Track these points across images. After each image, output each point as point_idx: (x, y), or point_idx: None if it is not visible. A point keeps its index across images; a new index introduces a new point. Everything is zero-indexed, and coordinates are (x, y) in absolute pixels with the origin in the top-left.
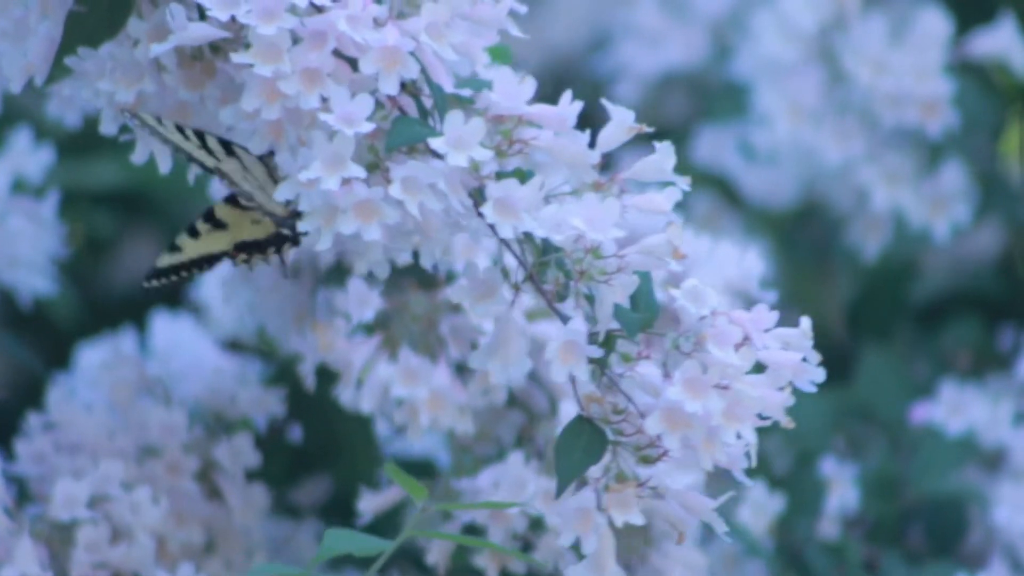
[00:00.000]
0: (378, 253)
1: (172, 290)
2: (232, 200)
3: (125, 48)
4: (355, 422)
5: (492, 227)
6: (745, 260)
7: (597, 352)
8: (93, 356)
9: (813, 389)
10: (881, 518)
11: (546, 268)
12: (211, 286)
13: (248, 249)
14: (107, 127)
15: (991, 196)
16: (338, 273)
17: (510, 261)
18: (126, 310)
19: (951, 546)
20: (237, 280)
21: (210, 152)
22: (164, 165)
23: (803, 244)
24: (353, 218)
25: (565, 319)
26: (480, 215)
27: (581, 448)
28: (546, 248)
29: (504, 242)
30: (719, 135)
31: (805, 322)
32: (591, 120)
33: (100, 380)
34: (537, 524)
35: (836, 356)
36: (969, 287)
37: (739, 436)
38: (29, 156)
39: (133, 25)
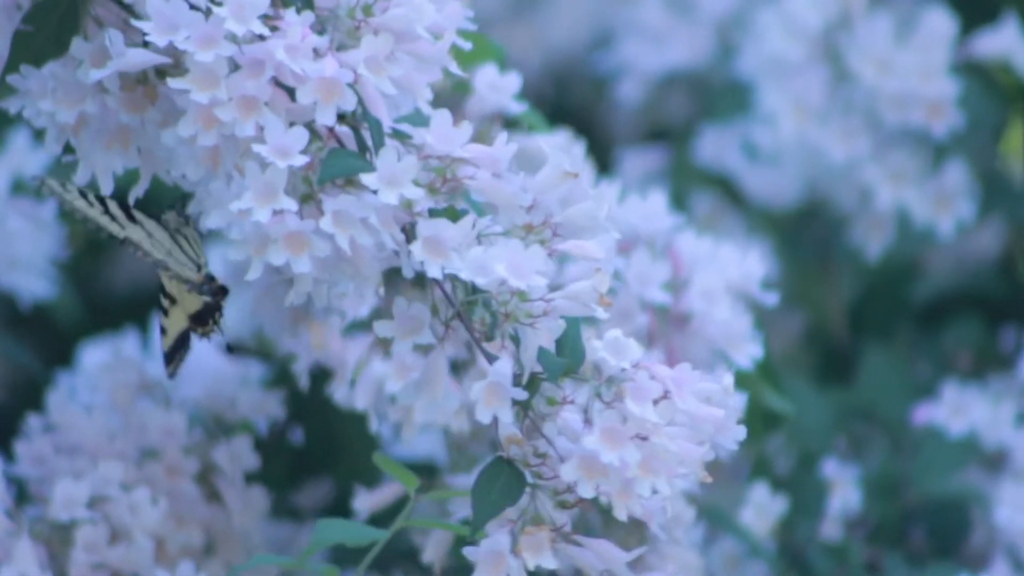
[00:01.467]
0: (308, 285)
1: None
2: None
3: (69, 69)
4: (356, 424)
5: (420, 264)
6: (747, 262)
7: (521, 395)
8: (93, 358)
9: (735, 446)
10: (883, 519)
11: (474, 307)
12: None
13: (198, 320)
14: (51, 147)
15: (993, 196)
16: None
17: (440, 297)
18: (126, 311)
19: (953, 547)
20: (234, 282)
21: (113, 219)
22: (106, 185)
23: (805, 244)
24: (283, 249)
25: (491, 359)
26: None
27: (499, 489)
28: (475, 288)
29: (434, 280)
30: (722, 135)
31: (728, 378)
32: (592, 120)
33: (100, 382)
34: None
35: (838, 356)
36: (971, 287)
37: (655, 491)
38: (28, 157)
39: (77, 46)
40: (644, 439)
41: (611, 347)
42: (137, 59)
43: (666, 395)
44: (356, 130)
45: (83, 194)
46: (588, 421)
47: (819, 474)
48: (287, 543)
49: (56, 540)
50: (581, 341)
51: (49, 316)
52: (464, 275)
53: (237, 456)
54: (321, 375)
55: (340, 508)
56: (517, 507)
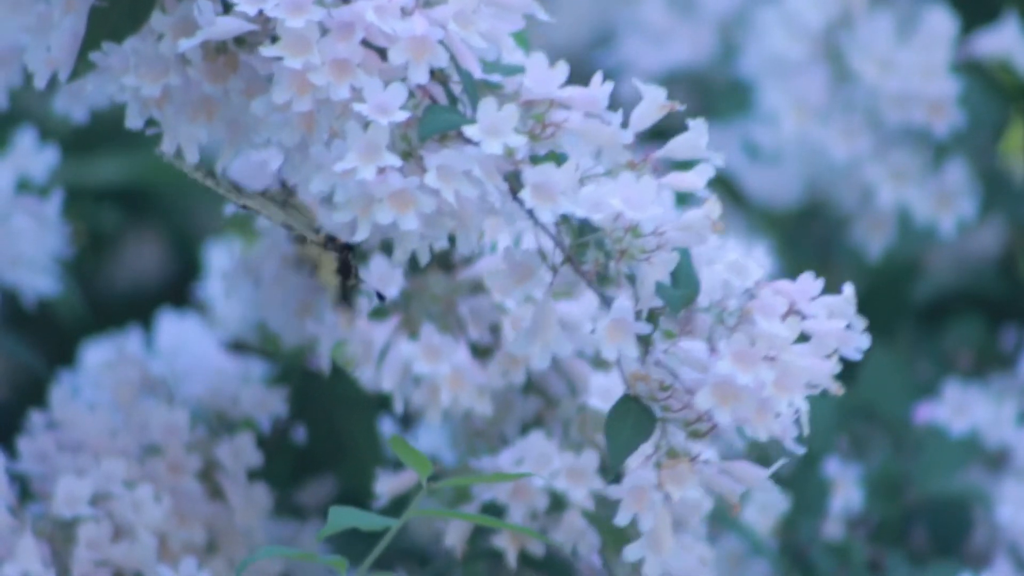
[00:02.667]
0: (415, 241)
1: (178, 290)
2: (298, 239)
3: (149, 42)
4: (359, 422)
5: (531, 212)
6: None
7: (645, 328)
8: (97, 355)
9: (859, 356)
10: (885, 518)
11: (585, 249)
12: (217, 286)
13: (343, 275)
14: (132, 121)
15: (994, 195)
16: (355, 255)
17: (546, 244)
18: (129, 309)
19: (955, 546)
20: (238, 273)
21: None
22: (192, 155)
23: (806, 243)
24: (389, 208)
25: (606, 300)
26: (516, 200)
27: (630, 427)
28: (583, 230)
29: (541, 225)
30: (723, 134)
31: (848, 289)
32: None
33: (103, 379)
34: (558, 504)
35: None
36: (972, 286)
37: (791, 405)
38: (33, 156)
39: (156, 19)
40: (772, 359)
41: (733, 269)
42: (227, 27)
43: (791, 310)
44: (445, 85)
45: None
46: (714, 348)
47: (821, 473)
48: (290, 541)
49: (59, 537)
50: (695, 272)
51: (52, 314)
52: (579, 213)
53: (240, 453)
54: (323, 373)
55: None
56: (650, 443)
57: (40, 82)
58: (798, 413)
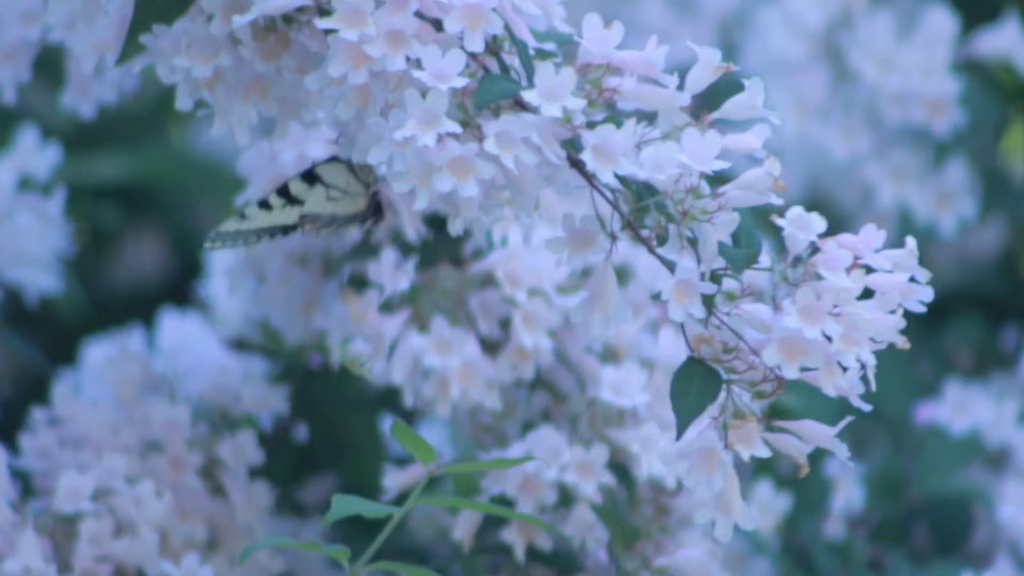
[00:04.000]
0: (474, 209)
1: (179, 288)
2: (307, 176)
3: (199, 23)
4: (360, 420)
5: (591, 175)
6: None
7: (710, 288)
8: (99, 352)
9: (923, 309)
10: (886, 517)
11: (645, 213)
12: (218, 284)
13: (320, 222)
14: (183, 103)
15: (994, 194)
16: (364, 249)
17: (604, 210)
18: (130, 307)
19: (956, 545)
20: (242, 270)
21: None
22: (242, 136)
23: None
24: (448, 175)
25: (668, 264)
26: (575, 165)
27: (696, 389)
28: (641, 194)
29: (599, 191)
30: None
31: (911, 241)
32: None
33: (105, 376)
34: (566, 499)
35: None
36: (972, 286)
37: (858, 360)
38: (36, 154)
39: (207, 0)
40: (839, 314)
41: (796, 223)
42: (280, 2)
43: (856, 262)
44: (497, 55)
45: (262, 204)
46: (778, 306)
47: (822, 472)
48: (290, 538)
49: (61, 533)
50: (755, 231)
51: (54, 312)
52: (641, 175)
53: (241, 451)
54: (325, 372)
55: None
56: (716, 404)
57: (87, 66)
58: (864, 369)
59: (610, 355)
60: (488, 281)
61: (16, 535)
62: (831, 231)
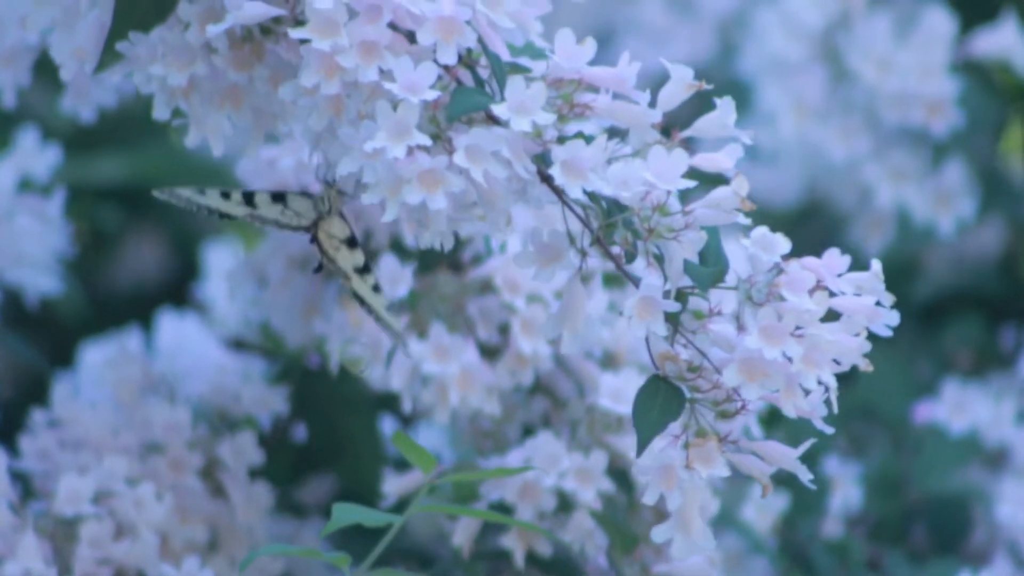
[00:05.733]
0: (443, 223)
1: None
2: (276, 196)
3: (176, 32)
4: (360, 421)
5: (559, 190)
6: None
7: (674, 306)
8: (98, 354)
9: (889, 333)
10: (884, 517)
11: (613, 229)
12: (216, 285)
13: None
14: (160, 112)
15: (993, 195)
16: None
17: (574, 226)
18: (130, 308)
19: (954, 544)
20: (243, 274)
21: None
22: (217, 147)
23: (806, 243)
24: (418, 188)
25: (635, 280)
26: (545, 180)
27: (659, 406)
28: (611, 210)
29: (568, 206)
30: None
31: (876, 265)
32: None
33: (104, 378)
34: (565, 505)
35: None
36: (971, 286)
37: (819, 382)
38: (36, 156)
39: (183, 8)
40: (800, 335)
41: (760, 243)
42: (255, 11)
43: (819, 285)
44: (471, 68)
45: (224, 193)
46: (741, 326)
47: (820, 472)
48: (290, 539)
49: (61, 535)
50: (723, 250)
51: (53, 313)
52: (607, 191)
53: (241, 452)
54: (324, 373)
55: None
56: (678, 423)
57: (67, 74)
58: (827, 391)
59: (609, 361)
60: (487, 287)
61: (16, 538)
62: (830, 232)
